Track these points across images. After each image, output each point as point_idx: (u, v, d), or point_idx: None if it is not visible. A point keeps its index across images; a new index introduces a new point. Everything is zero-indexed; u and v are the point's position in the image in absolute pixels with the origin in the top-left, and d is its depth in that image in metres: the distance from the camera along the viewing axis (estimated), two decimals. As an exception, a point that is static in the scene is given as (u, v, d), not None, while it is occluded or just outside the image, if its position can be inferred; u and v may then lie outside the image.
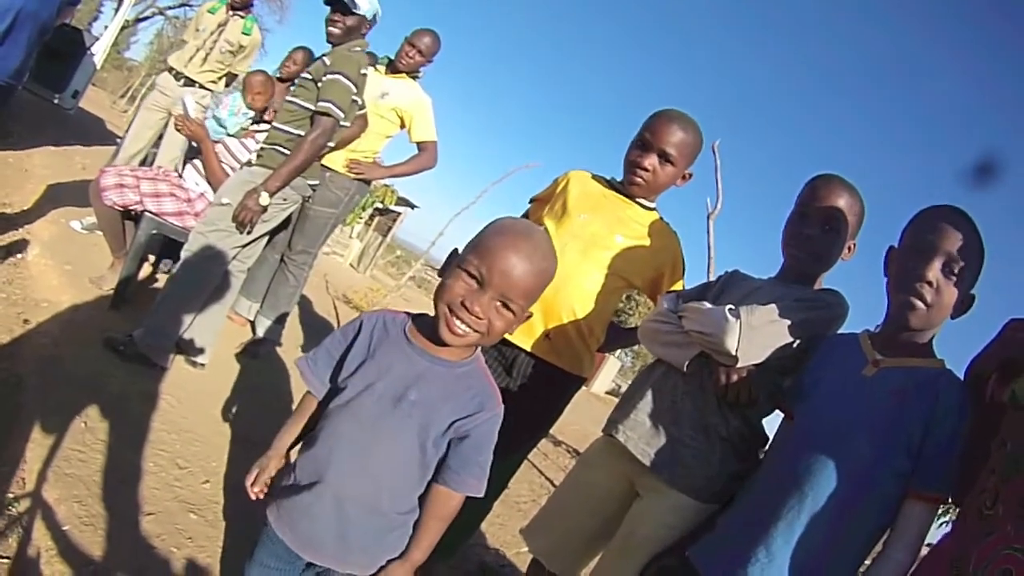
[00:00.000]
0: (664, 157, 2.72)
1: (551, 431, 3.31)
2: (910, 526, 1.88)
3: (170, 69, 6.36)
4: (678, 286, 2.90)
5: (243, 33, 6.27)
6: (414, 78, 5.05)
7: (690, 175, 2.85)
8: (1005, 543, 1.55)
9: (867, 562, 1.99)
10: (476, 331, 1.68)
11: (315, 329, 6.49)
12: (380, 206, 9.10)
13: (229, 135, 4.70)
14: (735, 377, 2.19)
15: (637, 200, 2.82)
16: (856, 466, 1.91)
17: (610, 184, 2.88)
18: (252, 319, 5.13)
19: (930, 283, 1.94)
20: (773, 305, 2.19)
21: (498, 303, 1.67)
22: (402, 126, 5.06)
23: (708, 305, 2.26)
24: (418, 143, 5.16)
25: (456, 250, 1.97)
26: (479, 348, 1.84)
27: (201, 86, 6.24)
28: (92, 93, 12.15)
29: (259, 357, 4.89)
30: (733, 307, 2.19)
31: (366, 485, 1.77)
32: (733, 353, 2.13)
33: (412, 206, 20.57)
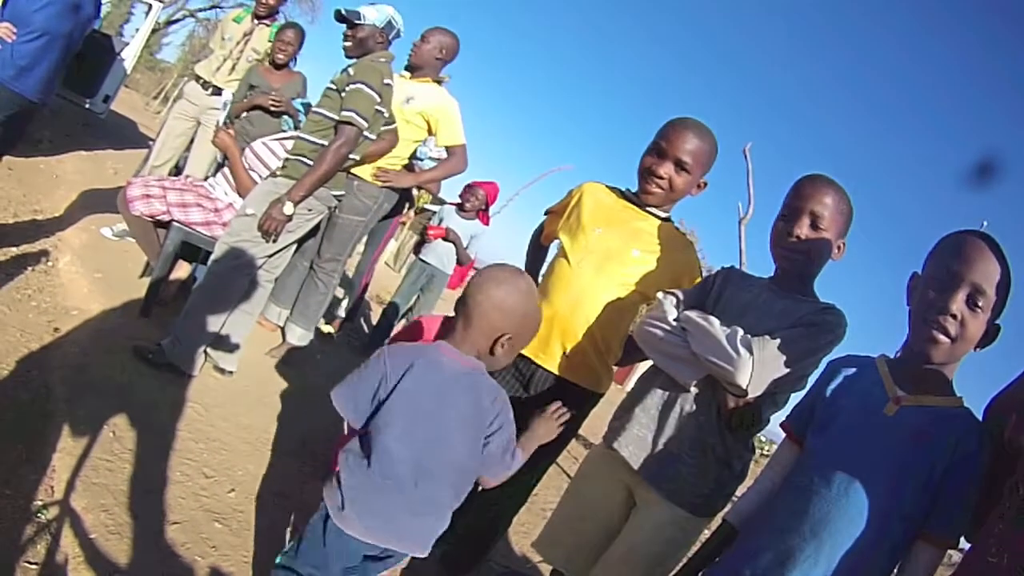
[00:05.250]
0: (680, 165, 2.68)
1: (582, 433, 3.31)
2: (920, 569, 1.82)
3: (197, 78, 6.40)
4: None
5: (269, 41, 6.23)
6: (438, 82, 5.05)
7: (705, 184, 2.81)
8: None
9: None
10: None
11: (346, 332, 6.54)
12: (416, 205, 9.11)
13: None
14: (742, 403, 2.21)
15: (651, 210, 2.79)
16: (875, 510, 1.83)
17: (624, 195, 2.85)
18: (282, 325, 5.16)
19: (954, 316, 1.83)
20: (781, 336, 2.17)
21: None
22: (430, 131, 5.05)
23: (715, 323, 2.23)
24: (446, 147, 5.14)
25: None
26: None
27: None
28: (125, 95, 12.28)
29: (288, 363, 4.93)
30: (744, 335, 2.17)
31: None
32: (744, 387, 2.13)
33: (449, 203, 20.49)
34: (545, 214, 3.18)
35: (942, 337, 1.84)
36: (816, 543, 1.85)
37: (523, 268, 3.21)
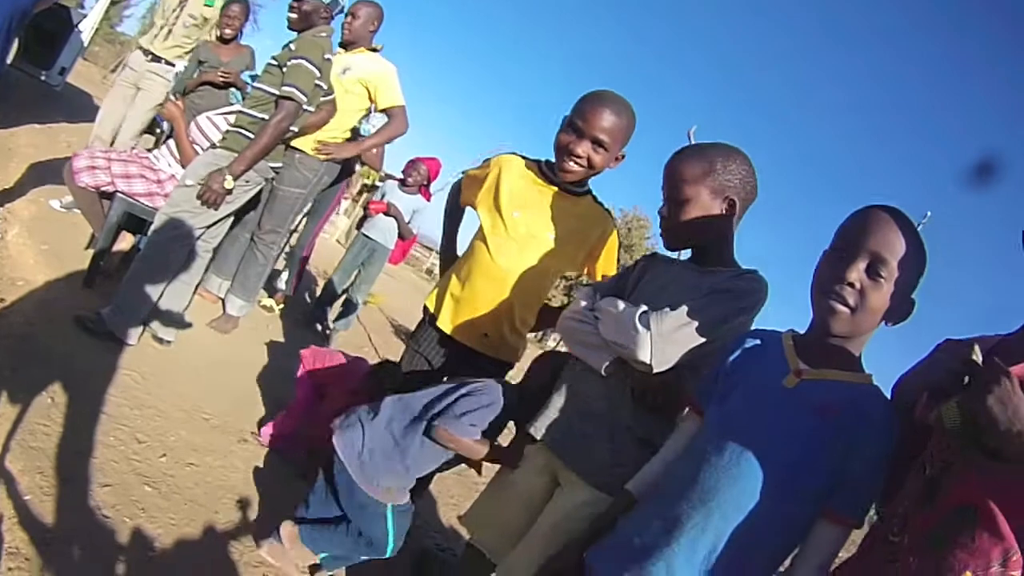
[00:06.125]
0: (597, 143, 2.70)
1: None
2: (822, 548, 1.77)
3: (140, 47, 6.39)
4: (611, 262, 2.99)
5: (205, 5, 6.22)
6: (373, 51, 5.15)
7: (623, 156, 2.83)
8: None
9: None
10: None
11: (288, 305, 6.62)
12: (367, 182, 9.07)
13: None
14: (652, 383, 2.20)
15: (568, 187, 2.85)
16: (769, 483, 1.77)
17: (541, 170, 2.90)
18: (223, 296, 5.21)
19: (852, 284, 1.76)
20: (684, 307, 2.15)
21: None
22: (371, 99, 5.13)
23: (620, 306, 2.25)
24: (385, 110, 5.22)
25: None
26: None
27: (167, 62, 6.24)
28: (83, 68, 12.15)
29: (228, 335, 5.00)
30: (645, 311, 2.17)
31: None
32: (647, 363, 2.12)
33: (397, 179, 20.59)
34: (462, 174, 3.25)
35: (840, 307, 1.78)
36: (704, 511, 1.81)
37: (442, 226, 3.36)
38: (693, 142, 8.02)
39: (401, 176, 6.92)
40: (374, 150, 6.03)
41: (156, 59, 6.26)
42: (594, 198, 2.93)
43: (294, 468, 3.68)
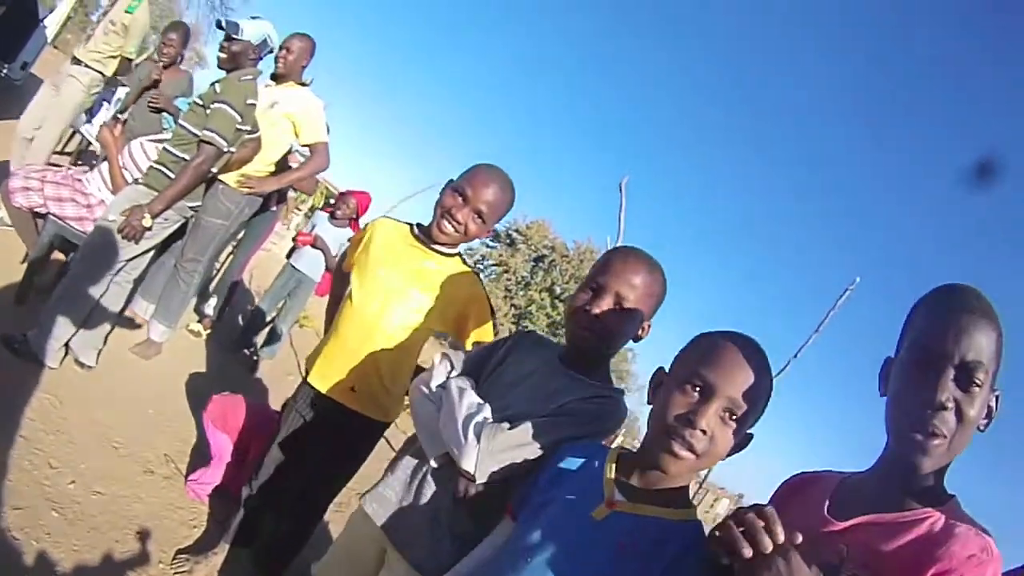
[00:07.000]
0: (478, 213, 2.87)
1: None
2: None
3: (73, 55, 6.52)
4: (486, 327, 3.12)
5: (126, 12, 6.29)
6: (303, 85, 5.38)
7: (493, 230, 3.03)
8: None
9: None
10: None
11: (215, 331, 6.84)
12: (316, 205, 9.24)
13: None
14: (473, 490, 2.14)
15: (438, 248, 3.00)
16: None
17: (412, 231, 3.06)
18: (149, 319, 5.42)
19: (704, 431, 1.63)
20: (525, 425, 2.07)
21: None
22: (296, 134, 5.37)
23: (466, 402, 2.17)
24: (307, 145, 5.46)
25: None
26: None
27: (87, 66, 6.34)
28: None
29: (150, 361, 5.24)
30: (480, 422, 2.10)
31: None
32: (471, 473, 2.06)
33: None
34: (348, 241, 3.46)
35: (685, 453, 1.64)
36: None
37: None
38: (624, 193, 7.99)
39: (330, 208, 7.16)
40: None
41: (77, 62, 6.37)
42: (463, 259, 3.10)
43: (216, 514, 3.93)
